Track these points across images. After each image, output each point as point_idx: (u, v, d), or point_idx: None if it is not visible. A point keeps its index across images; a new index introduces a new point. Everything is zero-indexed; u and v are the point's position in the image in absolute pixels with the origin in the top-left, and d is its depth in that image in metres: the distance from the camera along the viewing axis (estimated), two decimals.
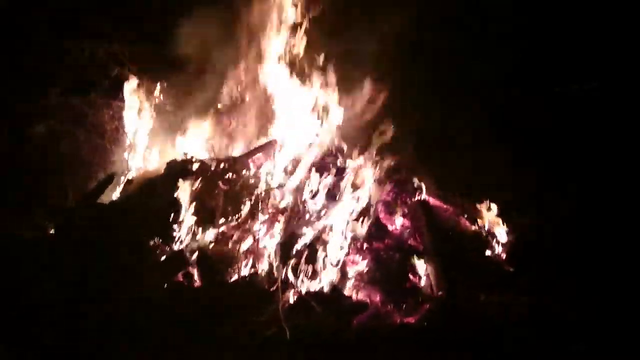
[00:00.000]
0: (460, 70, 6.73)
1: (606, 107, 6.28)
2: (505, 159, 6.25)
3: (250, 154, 5.11)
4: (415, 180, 5.23)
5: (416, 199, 5.03)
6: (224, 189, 4.63)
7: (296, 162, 4.87)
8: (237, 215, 4.55)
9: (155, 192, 4.59)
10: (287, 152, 5.06)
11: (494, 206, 5.11)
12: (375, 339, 3.78)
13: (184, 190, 4.47)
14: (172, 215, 4.38)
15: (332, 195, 4.57)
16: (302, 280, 4.13)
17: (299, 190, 4.61)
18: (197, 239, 4.43)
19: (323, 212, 4.49)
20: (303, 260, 4.16)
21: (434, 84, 6.61)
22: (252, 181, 4.77)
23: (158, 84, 5.76)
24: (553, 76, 6.52)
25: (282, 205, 4.62)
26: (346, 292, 4.20)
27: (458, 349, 3.69)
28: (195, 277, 4.20)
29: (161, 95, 5.75)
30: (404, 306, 4.03)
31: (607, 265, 4.88)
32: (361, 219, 4.50)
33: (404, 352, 3.67)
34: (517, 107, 6.61)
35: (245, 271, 4.27)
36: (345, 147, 5.21)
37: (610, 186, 5.83)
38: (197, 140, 5.33)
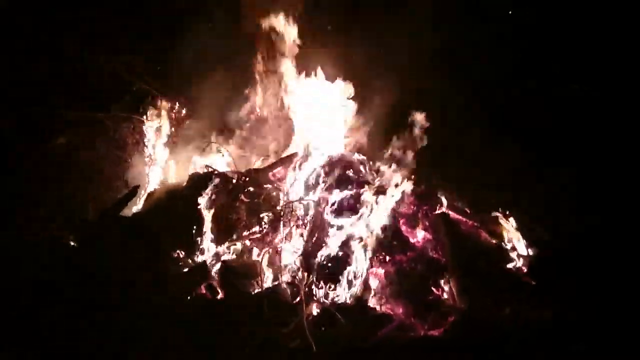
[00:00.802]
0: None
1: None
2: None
3: (271, 166, 5.16)
4: (436, 193, 5.23)
5: (437, 212, 5.02)
6: (246, 201, 4.65)
7: (318, 175, 4.87)
8: (259, 228, 4.58)
9: (178, 204, 4.63)
10: (309, 165, 5.05)
11: (512, 220, 5.12)
12: (399, 351, 3.78)
13: (206, 203, 4.53)
14: (195, 227, 4.44)
15: (354, 207, 4.57)
16: (326, 293, 4.16)
17: (321, 202, 4.61)
18: (219, 251, 4.47)
19: (345, 224, 4.49)
20: (326, 272, 4.19)
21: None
22: (273, 194, 4.80)
23: (178, 98, 5.73)
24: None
25: (304, 218, 4.62)
26: (369, 305, 4.21)
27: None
28: (218, 289, 4.24)
29: (181, 109, 5.73)
30: (428, 319, 4.03)
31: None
32: (383, 231, 4.51)
33: None
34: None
35: (268, 283, 4.29)
36: (366, 159, 5.21)
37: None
38: (218, 154, 5.35)
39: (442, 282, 4.38)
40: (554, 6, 6.39)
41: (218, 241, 4.51)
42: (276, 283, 4.26)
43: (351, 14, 6.02)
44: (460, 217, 5.14)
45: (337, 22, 5.76)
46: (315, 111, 5.24)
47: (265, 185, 4.85)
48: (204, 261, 4.38)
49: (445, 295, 4.34)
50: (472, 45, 6.60)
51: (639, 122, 6.06)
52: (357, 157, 5.12)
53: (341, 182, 4.70)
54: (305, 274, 4.17)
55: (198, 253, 4.46)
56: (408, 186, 4.71)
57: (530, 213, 5.87)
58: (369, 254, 4.39)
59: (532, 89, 6.63)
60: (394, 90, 5.73)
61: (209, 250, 4.49)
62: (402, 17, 6.59)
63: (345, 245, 4.35)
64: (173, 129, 5.66)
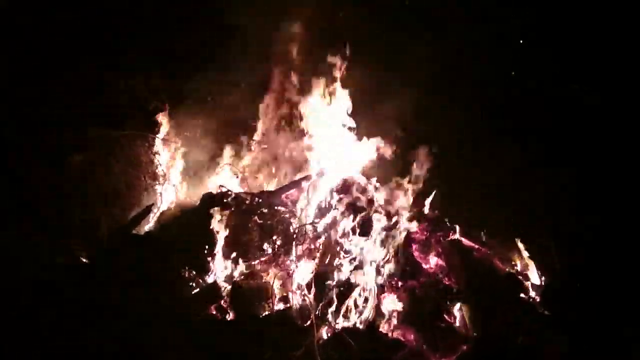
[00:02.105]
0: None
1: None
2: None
3: (284, 189, 5.12)
4: (448, 220, 5.23)
5: (450, 238, 5.02)
6: (259, 223, 4.64)
7: (330, 198, 4.84)
8: (271, 250, 4.58)
9: (190, 224, 4.64)
10: (322, 188, 5.01)
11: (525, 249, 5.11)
12: None
13: (219, 223, 4.52)
14: (207, 247, 4.44)
15: (367, 232, 4.56)
16: (337, 317, 4.18)
17: (333, 226, 4.60)
18: (230, 272, 4.47)
19: (357, 249, 4.49)
20: (337, 296, 4.21)
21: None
22: (286, 216, 4.78)
23: (193, 118, 5.72)
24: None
25: (316, 241, 4.61)
26: (381, 330, 4.22)
27: None
28: (228, 310, 4.24)
29: (196, 128, 5.69)
30: (439, 346, 4.05)
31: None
32: (395, 256, 4.53)
33: None
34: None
35: (278, 306, 4.29)
36: (378, 183, 5.17)
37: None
38: (232, 174, 5.36)
39: (454, 309, 4.41)
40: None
41: (229, 262, 4.52)
42: (287, 305, 4.27)
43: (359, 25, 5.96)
44: (473, 244, 5.13)
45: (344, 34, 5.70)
46: (329, 134, 5.25)
47: (278, 207, 4.84)
48: (215, 281, 4.39)
49: (457, 323, 4.36)
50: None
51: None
52: (369, 180, 5.11)
53: (354, 206, 4.68)
54: (317, 297, 4.19)
55: (209, 273, 4.47)
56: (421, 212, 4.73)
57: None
58: (381, 278, 4.42)
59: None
60: (400, 100, 5.72)
61: (220, 270, 4.50)
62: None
63: (357, 269, 4.37)
64: (187, 148, 5.63)
